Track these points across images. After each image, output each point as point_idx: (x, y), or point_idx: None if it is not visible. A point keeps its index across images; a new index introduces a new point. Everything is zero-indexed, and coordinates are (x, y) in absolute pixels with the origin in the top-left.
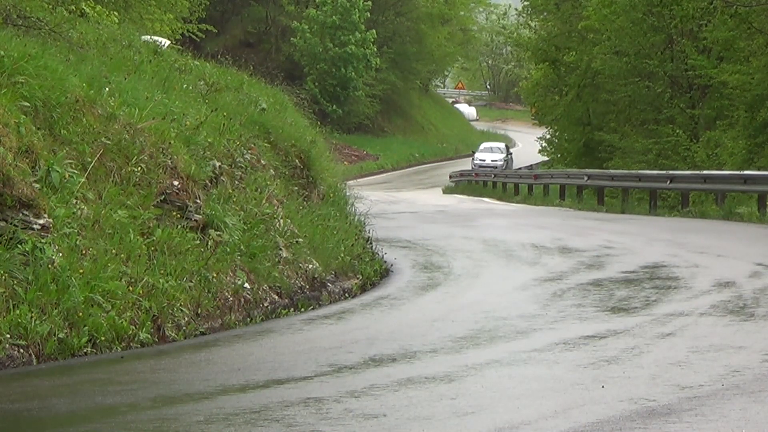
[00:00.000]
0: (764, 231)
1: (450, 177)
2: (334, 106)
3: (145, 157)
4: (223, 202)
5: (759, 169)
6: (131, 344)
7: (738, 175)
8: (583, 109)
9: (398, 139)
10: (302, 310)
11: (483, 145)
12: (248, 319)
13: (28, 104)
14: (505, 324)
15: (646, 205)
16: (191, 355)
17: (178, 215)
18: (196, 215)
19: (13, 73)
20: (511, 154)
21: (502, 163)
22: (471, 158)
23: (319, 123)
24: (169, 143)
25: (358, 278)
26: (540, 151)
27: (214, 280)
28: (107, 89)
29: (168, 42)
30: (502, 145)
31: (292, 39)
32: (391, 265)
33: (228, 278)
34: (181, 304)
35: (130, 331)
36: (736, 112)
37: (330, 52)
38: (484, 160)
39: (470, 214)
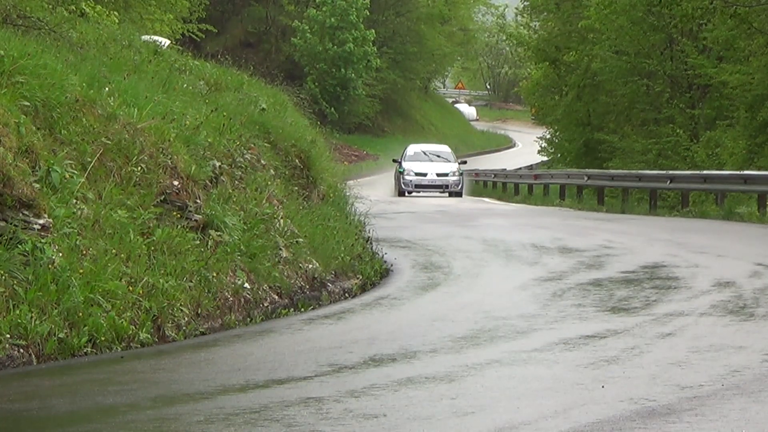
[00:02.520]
0: (764, 231)
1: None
2: (333, 109)
3: (145, 157)
4: (223, 202)
5: (759, 169)
6: (131, 344)
7: (738, 175)
8: (584, 110)
9: (398, 139)
10: (302, 310)
11: (413, 149)
12: (248, 319)
13: (28, 104)
14: (505, 324)
15: (646, 205)
16: (191, 355)
17: (178, 215)
18: (196, 215)
19: (13, 72)
20: (465, 162)
21: (455, 179)
22: (397, 170)
23: (319, 123)
24: (169, 143)
25: (358, 278)
26: (540, 151)
27: (214, 280)
28: (107, 89)
29: (168, 42)
30: (445, 149)
31: (292, 39)
32: (391, 265)
33: (228, 278)
34: (181, 304)
35: (130, 331)
36: (736, 112)
37: (330, 52)
38: (424, 175)
39: (470, 214)
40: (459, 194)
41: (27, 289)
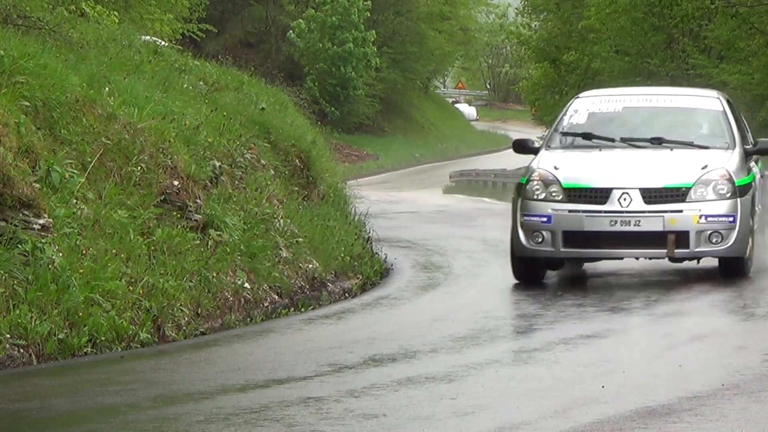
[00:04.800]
0: None
1: (450, 177)
2: (333, 109)
3: (145, 157)
4: (223, 202)
5: None
6: (131, 344)
7: None
8: None
9: (398, 139)
10: (302, 310)
11: (588, 104)
12: (248, 319)
13: (28, 104)
14: (505, 324)
15: None
16: (191, 355)
17: (178, 215)
18: (196, 215)
19: (13, 72)
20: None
21: (726, 219)
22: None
23: (319, 123)
24: (169, 143)
25: (358, 278)
26: None
27: (214, 280)
28: (107, 89)
29: (163, 43)
30: (708, 104)
31: (288, 34)
32: (391, 264)
33: (228, 278)
34: (181, 304)
35: (130, 331)
36: None
37: (330, 52)
38: (601, 197)
39: (470, 214)
40: (740, 269)
41: (27, 289)
